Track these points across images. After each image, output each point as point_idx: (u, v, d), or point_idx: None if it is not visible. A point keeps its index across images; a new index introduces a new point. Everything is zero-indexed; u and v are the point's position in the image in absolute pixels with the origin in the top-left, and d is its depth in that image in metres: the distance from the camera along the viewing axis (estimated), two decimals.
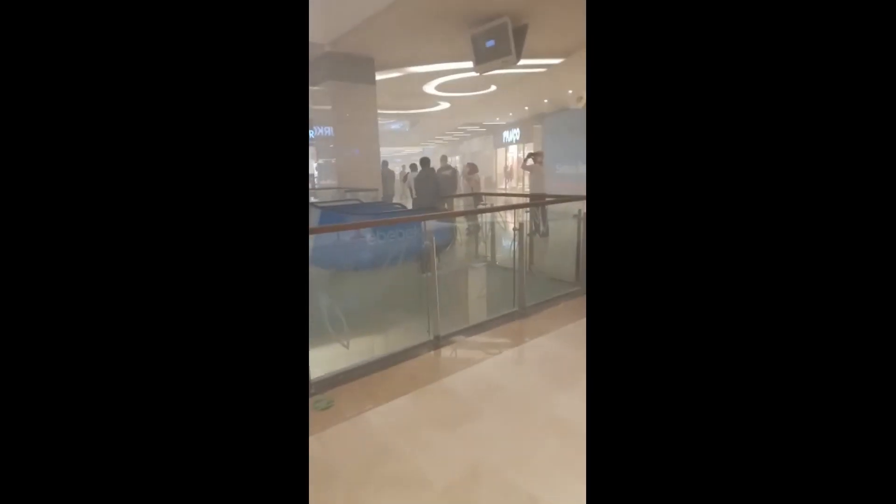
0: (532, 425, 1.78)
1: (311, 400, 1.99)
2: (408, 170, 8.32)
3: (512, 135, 17.58)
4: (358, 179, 6.65)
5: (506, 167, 18.59)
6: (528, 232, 3.47)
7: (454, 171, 7.68)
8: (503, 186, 18.30)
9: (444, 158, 7.81)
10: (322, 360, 2.36)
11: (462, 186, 7.64)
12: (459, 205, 6.33)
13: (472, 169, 6.90)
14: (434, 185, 6.11)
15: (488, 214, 4.57)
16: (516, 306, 3.11)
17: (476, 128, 18.70)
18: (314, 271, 3.17)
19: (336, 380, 2.19)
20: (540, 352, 2.51)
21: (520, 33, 4.99)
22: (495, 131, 18.73)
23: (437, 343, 2.60)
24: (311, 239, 2.99)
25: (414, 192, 6.57)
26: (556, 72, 8.06)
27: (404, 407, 1.95)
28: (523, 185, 17.62)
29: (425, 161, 6.60)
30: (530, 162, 5.89)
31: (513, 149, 18.13)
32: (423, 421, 1.84)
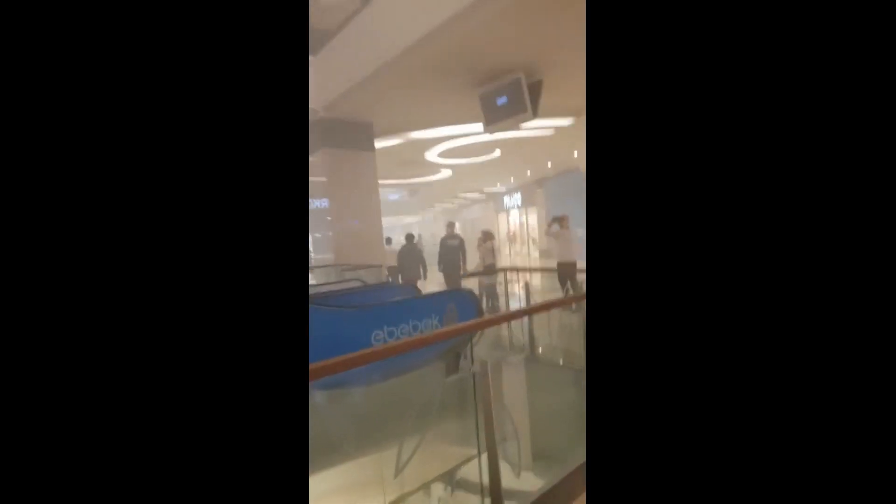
0: None
1: None
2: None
3: (513, 200, 17.37)
4: (358, 255, 5.92)
5: (508, 232, 18.23)
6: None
7: (461, 240, 6.96)
8: (507, 251, 17.77)
9: (450, 226, 7.11)
10: None
11: (474, 256, 6.89)
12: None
13: (486, 237, 6.14)
14: (419, 258, 6.34)
15: (516, 280, 3.74)
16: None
17: (476, 194, 18.56)
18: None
19: None
20: None
21: (534, 89, 4.52)
22: (495, 197, 18.59)
23: None
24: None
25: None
26: (564, 133, 7.69)
27: None
28: (528, 249, 17.26)
29: (409, 236, 6.77)
30: (555, 227, 5.20)
31: (514, 213, 17.89)
32: None
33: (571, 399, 2.37)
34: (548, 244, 11.15)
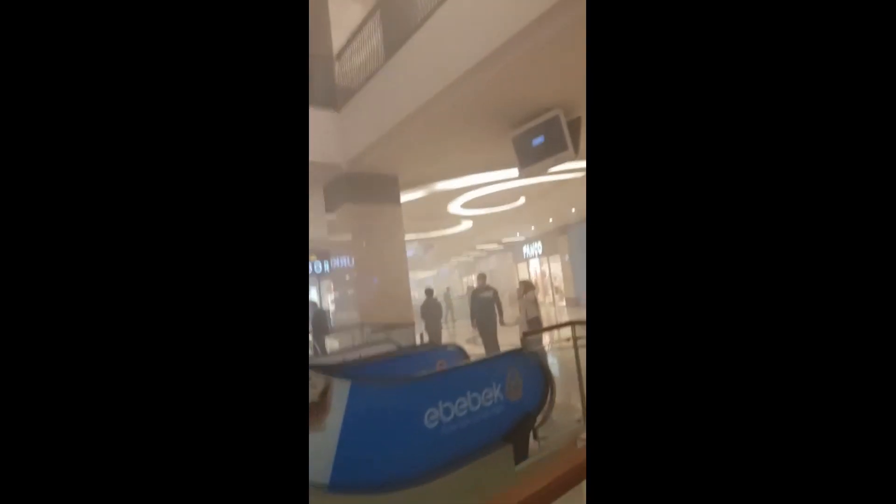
0: None
1: None
2: None
3: (533, 249, 16.94)
4: (384, 313, 5.43)
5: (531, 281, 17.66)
6: None
7: (495, 291, 6.46)
8: None
9: (481, 277, 6.64)
10: None
11: (509, 309, 6.34)
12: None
13: (526, 287, 5.60)
14: (439, 313, 6.82)
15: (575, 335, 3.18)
16: None
17: (494, 245, 18.21)
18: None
19: None
20: None
21: (574, 126, 4.23)
22: (514, 247, 18.19)
23: None
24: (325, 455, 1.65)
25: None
26: None
27: None
28: (552, 298, 16.52)
29: (429, 291, 7.11)
30: None
31: (534, 262, 17.38)
32: None
33: None
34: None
